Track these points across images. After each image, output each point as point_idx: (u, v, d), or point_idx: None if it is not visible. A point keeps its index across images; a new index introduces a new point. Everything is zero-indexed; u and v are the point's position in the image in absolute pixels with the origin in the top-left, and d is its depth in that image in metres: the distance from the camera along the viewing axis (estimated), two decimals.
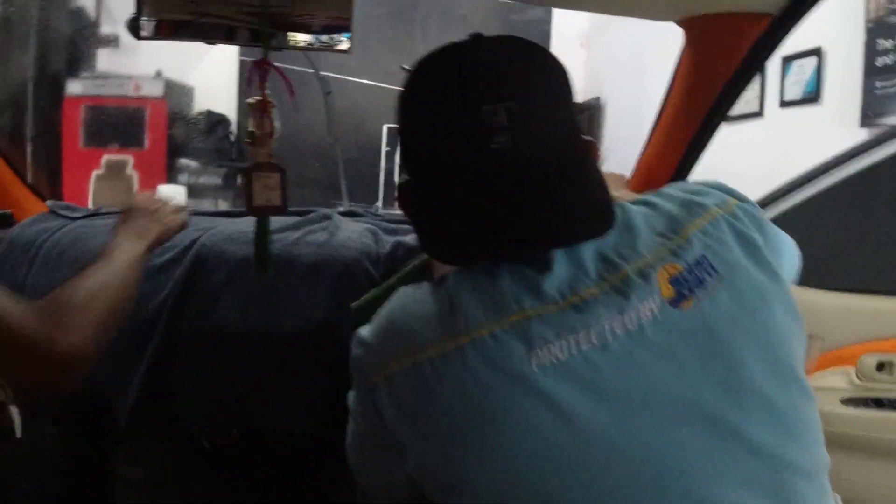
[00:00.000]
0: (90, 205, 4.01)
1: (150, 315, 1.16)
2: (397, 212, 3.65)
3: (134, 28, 1.07)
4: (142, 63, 4.08)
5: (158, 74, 4.02)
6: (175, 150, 4.23)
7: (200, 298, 1.17)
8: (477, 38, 0.69)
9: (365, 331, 0.69)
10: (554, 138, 0.65)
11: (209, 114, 4.28)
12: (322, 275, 1.16)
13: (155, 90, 4.08)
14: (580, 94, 4.27)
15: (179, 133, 4.26)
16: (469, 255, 0.67)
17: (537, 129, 0.64)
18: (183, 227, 1.05)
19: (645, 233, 0.66)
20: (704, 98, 1.12)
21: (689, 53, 1.15)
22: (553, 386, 0.58)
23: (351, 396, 0.72)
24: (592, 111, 3.96)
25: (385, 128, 3.60)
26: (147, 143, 4.12)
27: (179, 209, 1.05)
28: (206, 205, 4.18)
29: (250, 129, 1.09)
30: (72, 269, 1.09)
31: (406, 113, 0.70)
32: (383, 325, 0.68)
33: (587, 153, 0.69)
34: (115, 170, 4.11)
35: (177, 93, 4.27)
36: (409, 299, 0.69)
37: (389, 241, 1.25)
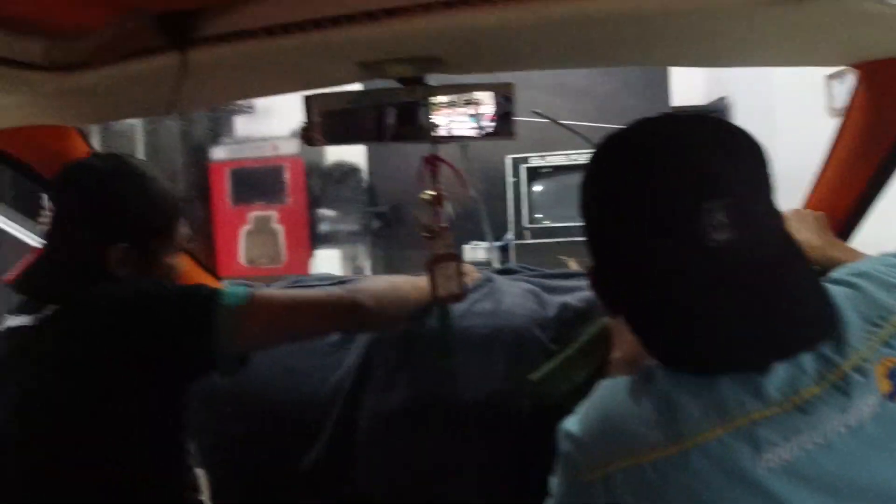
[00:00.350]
0: (242, 258, 4.32)
1: (330, 389, 1.24)
2: (527, 241, 3.63)
3: (307, 137, 1.14)
4: (275, 125, 4.36)
5: (293, 134, 4.27)
6: (314, 201, 4.49)
7: (377, 373, 1.23)
8: (669, 118, 0.69)
9: (574, 426, 0.70)
10: (769, 232, 0.65)
11: (341, 164, 4.50)
12: (494, 346, 1.19)
13: (291, 148, 4.35)
14: (703, 95, 4.11)
15: (316, 185, 4.51)
16: (690, 364, 0.67)
17: (753, 224, 0.63)
18: (476, 280, 1.31)
19: (855, 323, 0.65)
20: (882, 140, 1.07)
21: (863, 94, 1.10)
22: (781, 487, 0.60)
23: (555, 486, 0.73)
24: (720, 113, 3.78)
25: (509, 159, 3.61)
26: (288, 197, 4.41)
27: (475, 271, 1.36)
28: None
29: (426, 222, 1.14)
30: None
31: (600, 198, 0.68)
32: (596, 423, 0.69)
33: (790, 235, 0.68)
34: (262, 225, 4.43)
35: (310, 149, 4.49)
36: (619, 397, 0.70)
37: (554, 302, 1.26)
